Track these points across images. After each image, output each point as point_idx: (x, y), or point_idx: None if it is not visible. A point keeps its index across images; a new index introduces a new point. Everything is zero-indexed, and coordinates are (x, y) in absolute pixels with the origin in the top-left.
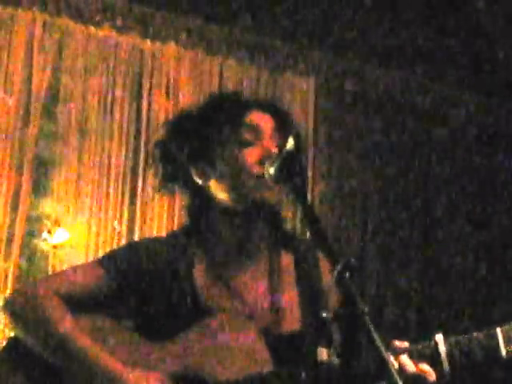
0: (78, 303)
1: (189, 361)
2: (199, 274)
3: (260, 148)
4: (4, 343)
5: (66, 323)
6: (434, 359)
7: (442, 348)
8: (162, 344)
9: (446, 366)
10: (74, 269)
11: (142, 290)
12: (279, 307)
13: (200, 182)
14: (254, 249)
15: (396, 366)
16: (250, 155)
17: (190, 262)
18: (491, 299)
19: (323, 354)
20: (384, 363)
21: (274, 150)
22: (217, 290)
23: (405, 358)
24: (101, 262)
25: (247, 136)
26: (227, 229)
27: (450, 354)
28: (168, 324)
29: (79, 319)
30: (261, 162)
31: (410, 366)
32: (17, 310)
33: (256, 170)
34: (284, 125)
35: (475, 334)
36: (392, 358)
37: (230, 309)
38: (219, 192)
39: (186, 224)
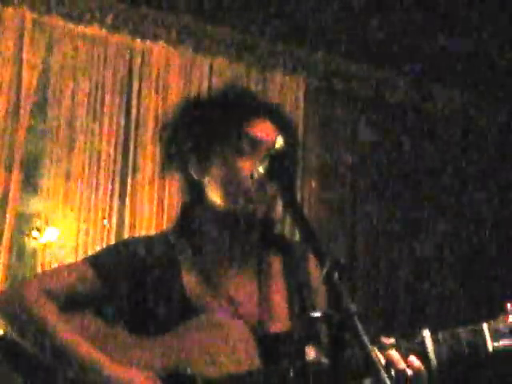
0: (66, 302)
1: (177, 358)
2: (187, 275)
3: (256, 160)
4: None
5: (55, 322)
6: (421, 355)
7: (429, 343)
8: (150, 342)
9: (433, 361)
10: (63, 268)
11: (130, 290)
12: (267, 307)
13: (196, 176)
14: (243, 251)
15: (383, 361)
16: (245, 165)
17: (178, 262)
18: (479, 295)
19: (311, 353)
20: (371, 363)
21: None
22: (205, 290)
23: (393, 353)
24: (89, 261)
25: (246, 147)
26: (217, 230)
27: (437, 350)
28: (156, 323)
29: (68, 318)
30: (252, 176)
31: (398, 360)
32: (5, 310)
33: (247, 182)
34: (287, 137)
35: (462, 329)
36: (380, 354)
37: (218, 308)
38: (212, 191)
39: (176, 223)
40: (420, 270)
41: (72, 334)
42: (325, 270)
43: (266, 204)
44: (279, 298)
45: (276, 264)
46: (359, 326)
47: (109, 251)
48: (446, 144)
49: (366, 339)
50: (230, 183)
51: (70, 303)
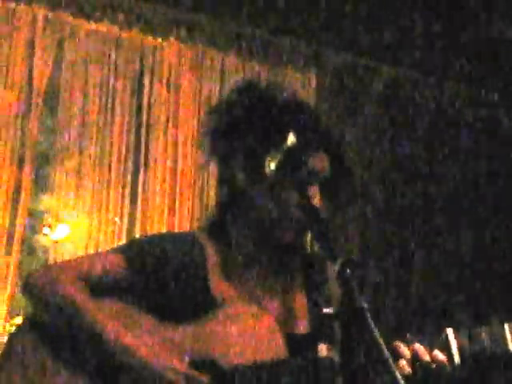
0: (96, 288)
1: (204, 346)
2: (213, 275)
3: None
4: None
5: (88, 304)
6: (444, 350)
7: (453, 341)
8: (177, 330)
9: (456, 358)
10: (95, 255)
11: (158, 283)
12: (290, 316)
13: (241, 184)
14: (269, 263)
15: (408, 355)
16: (297, 194)
17: (205, 262)
18: (494, 293)
19: (323, 350)
20: (384, 360)
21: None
22: (231, 291)
23: (418, 346)
24: (122, 251)
25: (303, 177)
26: (249, 240)
27: (459, 347)
28: (180, 318)
29: (99, 301)
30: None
31: (423, 353)
32: (37, 292)
33: (296, 214)
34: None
35: (484, 327)
36: (405, 348)
37: (243, 303)
38: (254, 204)
39: (208, 224)
40: (435, 268)
41: (104, 317)
42: (337, 267)
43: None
44: (301, 310)
45: (299, 278)
46: (372, 324)
47: (140, 242)
48: (461, 139)
49: (378, 337)
50: (277, 206)
51: (100, 289)
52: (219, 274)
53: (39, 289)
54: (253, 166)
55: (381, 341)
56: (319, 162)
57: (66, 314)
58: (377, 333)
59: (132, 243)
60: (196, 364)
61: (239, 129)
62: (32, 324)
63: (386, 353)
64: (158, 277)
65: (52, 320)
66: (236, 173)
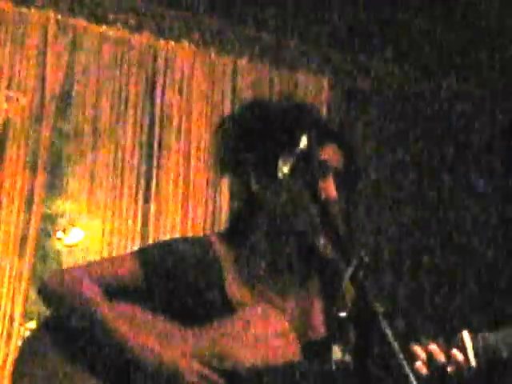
0: (111, 291)
1: (219, 350)
2: (229, 279)
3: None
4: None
5: (103, 307)
6: (461, 352)
7: (469, 344)
8: (191, 332)
9: (472, 361)
10: (110, 259)
11: (173, 288)
12: (307, 320)
13: (255, 189)
14: (286, 266)
15: (424, 356)
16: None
17: (221, 266)
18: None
19: (337, 352)
20: (398, 363)
21: (334, 195)
22: (246, 294)
23: (434, 347)
24: (137, 255)
25: (315, 171)
26: (265, 243)
27: (475, 349)
28: (194, 321)
29: (113, 304)
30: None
31: (439, 355)
32: (56, 296)
33: (312, 210)
34: (350, 162)
35: (500, 330)
36: (420, 350)
37: (259, 306)
38: (270, 207)
39: (225, 229)
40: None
41: (120, 319)
42: (350, 270)
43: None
44: (317, 315)
45: (315, 282)
46: (386, 326)
47: (156, 248)
48: (474, 141)
49: (392, 339)
50: (291, 207)
51: (115, 294)
52: (235, 277)
53: (56, 292)
54: (266, 172)
55: (396, 344)
56: (331, 153)
57: (85, 318)
58: (392, 335)
59: (146, 248)
60: (212, 367)
61: (250, 140)
62: (47, 328)
63: (401, 356)
64: (172, 281)
65: (69, 323)
66: (250, 182)
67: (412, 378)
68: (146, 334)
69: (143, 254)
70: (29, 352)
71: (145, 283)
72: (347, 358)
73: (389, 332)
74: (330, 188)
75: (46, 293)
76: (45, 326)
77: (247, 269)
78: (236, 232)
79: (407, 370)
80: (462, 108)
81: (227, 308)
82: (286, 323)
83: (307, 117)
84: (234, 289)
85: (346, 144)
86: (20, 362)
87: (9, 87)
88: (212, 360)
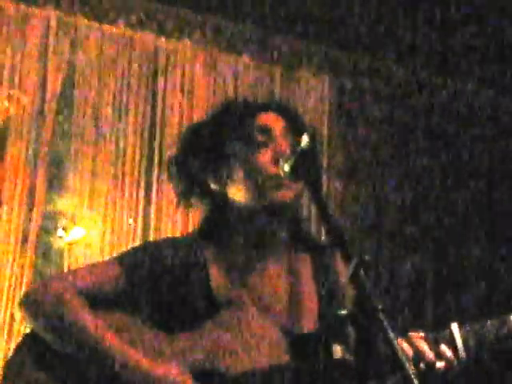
0: (94, 299)
1: (205, 354)
2: (214, 273)
3: (273, 148)
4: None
5: (87, 318)
6: (450, 345)
7: (458, 336)
8: (177, 338)
9: (462, 353)
10: (92, 266)
11: (155, 288)
12: (297, 305)
13: (217, 188)
14: (272, 248)
15: (412, 353)
16: (264, 156)
17: (204, 261)
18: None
19: (338, 351)
20: (399, 361)
21: (287, 149)
22: (234, 289)
23: (422, 345)
24: (118, 261)
25: (259, 137)
26: (245, 229)
27: (464, 340)
28: (181, 321)
29: (98, 314)
30: (275, 162)
31: (427, 352)
32: (35, 306)
33: (271, 170)
34: (295, 124)
35: (489, 321)
36: (408, 347)
37: (247, 305)
38: (237, 195)
39: (200, 227)
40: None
41: (104, 330)
42: (351, 268)
43: (295, 190)
44: (309, 297)
45: (305, 263)
46: (385, 323)
47: (137, 251)
48: (477, 140)
49: (392, 336)
50: (254, 177)
51: (98, 300)
52: (220, 272)
53: (40, 306)
54: (218, 173)
55: (396, 342)
56: (270, 119)
57: (70, 333)
58: (392, 334)
59: (128, 251)
60: (199, 373)
61: (191, 155)
62: (31, 341)
63: (402, 354)
64: (155, 283)
65: (54, 338)
66: (209, 188)
67: (413, 377)
68: (134, 345)
69: (123, 258)
70: (13, 367)
71: (128, 288)
72: (348, 356)
73: (390, 331)
74: (270, 158)
75: (29, 309)
76: (28, 340)
77: (230, 259)
78: (212, 226)
79: (409, 369)
80: (463, 108)
81: (214, 307)
82: (274, 326)
83: (236, 107)
84: (218, 282)
85: (285, 108)
86: (4, 379)
87: (10, 86)
88: (204, 364)
